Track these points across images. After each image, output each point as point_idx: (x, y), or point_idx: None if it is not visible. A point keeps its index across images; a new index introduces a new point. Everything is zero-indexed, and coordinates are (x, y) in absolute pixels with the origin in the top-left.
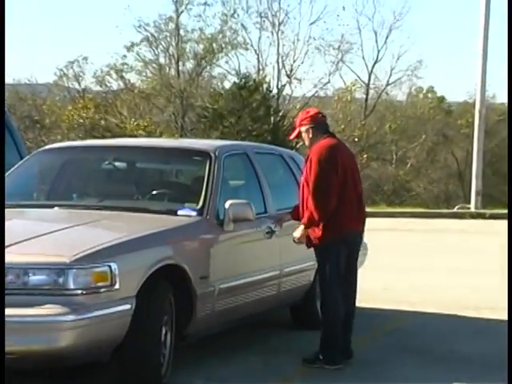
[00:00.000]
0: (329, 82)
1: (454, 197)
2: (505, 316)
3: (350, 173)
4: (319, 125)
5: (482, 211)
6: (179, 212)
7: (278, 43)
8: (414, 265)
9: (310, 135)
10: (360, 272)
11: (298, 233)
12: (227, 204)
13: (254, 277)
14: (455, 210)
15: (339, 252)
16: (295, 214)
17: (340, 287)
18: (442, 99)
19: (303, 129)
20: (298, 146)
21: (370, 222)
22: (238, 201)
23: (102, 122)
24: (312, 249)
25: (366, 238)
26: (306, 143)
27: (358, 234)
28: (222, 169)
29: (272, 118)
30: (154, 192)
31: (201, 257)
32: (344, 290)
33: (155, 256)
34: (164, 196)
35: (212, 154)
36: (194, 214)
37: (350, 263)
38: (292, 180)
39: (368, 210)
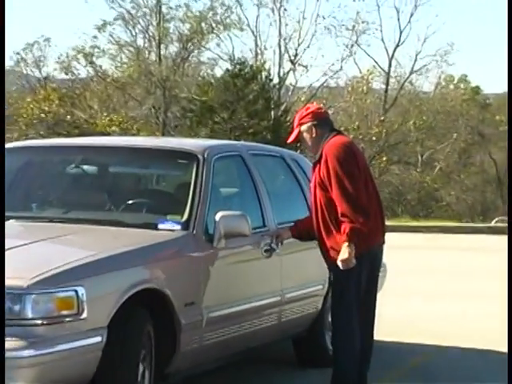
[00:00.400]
0: (341, 69)
1: (491, 208)
2: None
3: (369, 176)
4: (323, 121)
5: None
6: (160, 226)
7: (280, 23)
8: (443, 290)
9: (314, 134)
10: (378, 297)
11: (345, 253)
12: (218, 216)
13: (250, 304)
14: (493, 223)
15: (362, 270)
16: (297, 231)
17: (358, 314)
18: (477, 90)
19: (304, 128)
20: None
21: (390, 239)
22: (231, 212)
23: (68, 116)
24: (317, 269)
25: (385, 257)
26: (309, 144)
27: (381, 247)
28: (212, 174)
29: (272, 113)
30: (130, 201)
31: (186, 280)
32: (361, 316)
33: (131, 279)
34: (142, 206)
35: (200, 156)
36: (177, 227)
37: (371, 283)
38: (296, 187)
39: (388, 223)
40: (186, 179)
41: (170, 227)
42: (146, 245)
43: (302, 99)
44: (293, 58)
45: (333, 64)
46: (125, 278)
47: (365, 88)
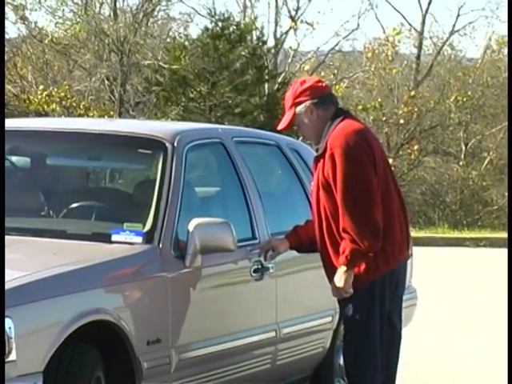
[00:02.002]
0: (358, 27)
1: None
2: None
3: (390, 172)
4: (326, 99)
5: None
6: (114, 237)
7: None
8: (493, 322)
9: (315, 117)
10: (405, 332)
11: (341, 279)
12: (192, 224)
13: (235, 341)
14: None
15: (384, 296)
16: (297, 240)
17: (381, 352)
18: None
19: (300, 109)
20: None
21: (423, 255)
22: (210, 220)
23: None
24: (325, 295)
25: (416, 278)
26: (308, 131)
27: (406, 265)
28: (184, 168)
29: (266, 86)
30: (75, 205)
31: (149, 309)
32: (381, 360)
33: (75, 308)
34: (90, 211)
35: (168, 145)
36: (138, 240)
37: (394, 313)
38: (296, 186)
39: (419, 234)
40: (150, 175)
41: (127, 239)
42: (96, 263)
43: (306, 68)
44: (293, 12)
45: (347, 21)
46: (67, 306)
47: (390, 53)
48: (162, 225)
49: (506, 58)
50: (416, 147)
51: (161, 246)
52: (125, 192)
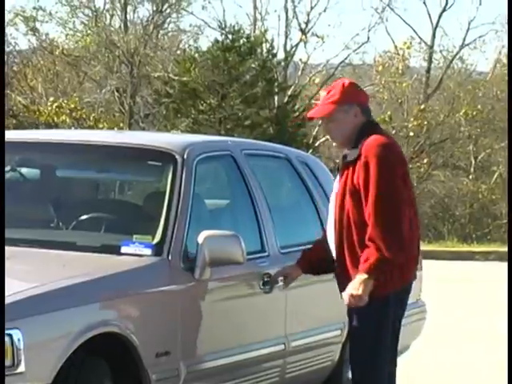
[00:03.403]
0: (368, 41)
1: None
2: None
3: (411, 186)
4: (367, 107)
5: None
6: (124, 249)
7: None
8: (503, 336)
9: (356, 120)
10: (415, 346)
11: (360, 287)
12: (202, 237)
13: (243, 354)
14: None
15: (397, 312)
16: (309, 265)
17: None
18: None
19: (345, 107)
20: (317, 143)
21: (432, 268)
22: (219, 232)
23: None
24: (334, 308)
25: (426, 292)
26: (340, 132)
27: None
28: (194, 180)
29: (276, 99)
30: (84, 217)
31: (158, 322)
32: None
33: (84, 320)
34: (100, 223)
35: (178, 157)
36: (147, 252)
37: (398, 327)
38: (306, 199)
39: (429, 247)
40: (160, 187)
41: (137, 251)
42: (105, 275)
43: (316, 81)
44: (304, 25)
45: (357, 34)
46: (76, 318)
47: (400, 66)
48: (171, 237)
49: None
50: (425, 160)
51: (170, 258)
52: (134, 204)
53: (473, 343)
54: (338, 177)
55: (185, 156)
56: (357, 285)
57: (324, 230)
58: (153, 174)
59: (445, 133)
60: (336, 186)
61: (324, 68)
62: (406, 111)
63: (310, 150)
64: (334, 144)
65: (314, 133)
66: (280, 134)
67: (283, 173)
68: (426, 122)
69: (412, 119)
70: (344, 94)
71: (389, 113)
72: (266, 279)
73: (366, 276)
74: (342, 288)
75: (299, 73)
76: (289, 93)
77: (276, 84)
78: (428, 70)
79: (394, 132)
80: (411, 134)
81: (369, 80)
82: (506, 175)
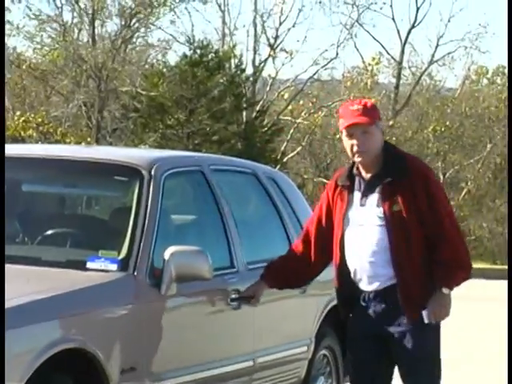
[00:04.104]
0: (337, 56)
1: None
2: None
3: None
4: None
5: None
6: (89, 264)
7: None
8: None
9: (382, 138)
10: None
11: (447, 304)
12: (168, 252)
13: (210, 370)
14: None
15: None
16: (275, 280)
17: None
18: None
19: (378, 123)
20: (285, 159)
21: None
22: (186, 248)
23: None
24: (301, 324)
25: None
26: (372, 144)
27: None
28: (161, 195)
29: (244, 114)
30: (50, 232)
31: (123, 338)
32: None
33: (48, 336)
34: (65, 238)
35: (144, 172)
36: (113, 267)
37: None
38: (273, 214)
39: None
40: (126, 203)
41: (102, 267)
42: (70, 290)
43: (285, 96)
44: (272, 40)
45: (326, 50)
46: (40, 334)
47: (369, 82)
48: (137, 252)
49: (486, 89)
50: None
51: (136, 273)
52: (100, 219)
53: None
54: (358, 194)
55: (152, 171)
56: (444, 301)
57: (292, 245)
58: (119, 189)
59: (413, 149)
60: (366, 205)
61: (293, 83)
62: None
63: (278, 166)
64: (359, 159)
65: (283, 148)
66: (248, 150)
67: (250, 188)
68: (394, 138)
69: None
70: (377, 111)
71: None
72: (233, 296)
73: (449, 292)
74: (409, 302)
75: (268, 88)
76: (257, 108)
77: (244, 99)
78: (397, 86)
79: None
80: None
81: (337, 95)
82: (507, 175)
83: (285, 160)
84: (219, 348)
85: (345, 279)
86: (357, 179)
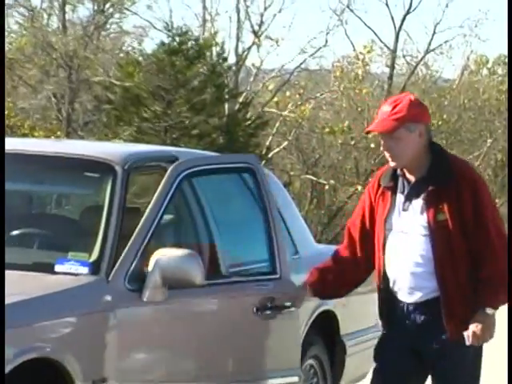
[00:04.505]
0: (326, 44)
1: None
2: None
3: None
4: (430, 127)
5: None
6: (58, 267)
7: None
8: None
9: (422, 140)
10: None
11: (492, 325)
12: (155, 256)
13: None
14: None
15: None
16: (323, 288)
17: None
18: None
19: (411, 127)
20: (270, 155)
21: None
22: (176, 250)
23: None
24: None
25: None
26: (403, 151)
27: None
28: (135, 193)
29: (226, 106)
30: (15, 232)
31: (94, 346)
32: None
33: (13, 345)
34: (32, 239)
35: (118, 168)
36: (83, 270)
37: None
38: (258, 215)
39: None
40: (98, 201)
41: (72, 270)
42: (36, 295)
43: (270, 87)
44: (257, 27)
45: (314, 37)
46: (5, 343)
47: (360, 72)
48: (109, 254)
49: (487, 80)
50: None
51: (110, 278)
52: (70, 219)
53: None
54: (401, 198)
55: (126, 167)
56: (488, 322)
57: (336, 251)
58: (91, 186)
59: None
60: (409, 211)
61: (278, 73)
62: (366, 120)
63: (263, 162)
64: (393, 163)
65: (268, 143)
66: (230, 144)
67: (233, 186)
68: None
69: None
70: (410, 112)
71: (347, 122)
72: (269, 304)
73: (493, 312)
74: (451, 323)
75: (251, 78)
76: (240, 100)
77: (226, 90)
78: (390, 77)
79: (353, 143)
80: (372, 145)
81: (326, 86)
82: (507, 176)
83: (270, 156)
84: (197, 363)
85: (386, 287)
86: (400, 180)
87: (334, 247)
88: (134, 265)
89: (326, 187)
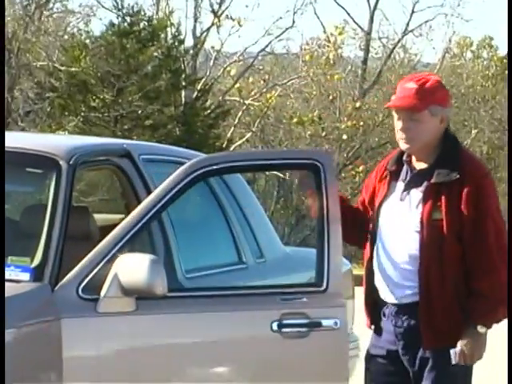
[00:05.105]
0: (293, 25)
1: None
2: None
3: None
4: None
5: None
6: None
7: None
8: None
9: (441, 126)
10: None
11: (483, 346)
12: (112, 261)
13: None
14: None
15: None
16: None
17: None
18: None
19: (434, 110)
20: (232, 147)
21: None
22: (135, 256)
23: None
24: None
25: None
26: (420, 134)
27: None
28: (82, 191)
29: (183, 94)
30: None
31: (35, 362)
32: None
33: None
34: None
35: (62, 163)
36: (25, 277)
37: None
38: (218, 214)
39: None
40: (41, 199)
41: (12, 276)
42: None
43: (232, 72)
44: (216, 6)
45: (280, 17)
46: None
47: (331, 56)
48: (54, 259)
49: (471, 64)
50: (361, 168)
51: (57, 286)
52: (10, 219)
53: None
54: (401, 186)
55: (71, 162)
56: (478, 341)
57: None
58: (33, 183)
59: (384, 135)
60: (405, 202)
61: (241, 57)
62: (338, 109)
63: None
64: (404, 146)
65: (229, 134)
66: (188, 136)
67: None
68: (361, 123)
69: (345, 119)
70: (437, 94)
71: (318, 111)
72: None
73: (485, 330)
74: (427, 331)
75: (211, 63)
76: (198, 87)
77: (183, 76)
78: (364, 61)
79: (324, 134)
80: (344, 136)
81: (294, 72)
82: (495, 167)
83: (232, 148)
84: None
85: (371, 280)
86: (405, 167)
87: (302, 250)
88: (95, 271)
89: (294, 186)
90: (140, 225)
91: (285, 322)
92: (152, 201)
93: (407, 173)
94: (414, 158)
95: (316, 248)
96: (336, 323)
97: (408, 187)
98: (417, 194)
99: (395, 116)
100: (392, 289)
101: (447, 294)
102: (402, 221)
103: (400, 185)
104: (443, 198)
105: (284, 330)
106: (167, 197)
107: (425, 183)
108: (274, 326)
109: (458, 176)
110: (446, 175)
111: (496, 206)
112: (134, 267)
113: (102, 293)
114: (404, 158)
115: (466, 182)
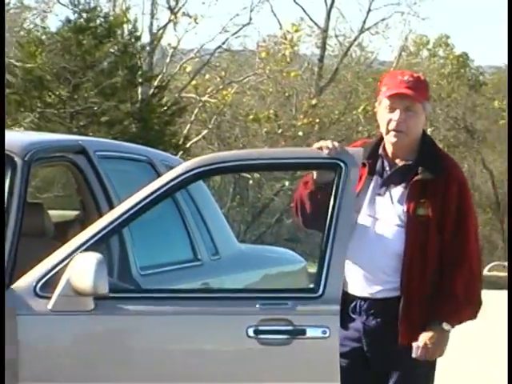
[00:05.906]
0: (250, 23)
1: (485, 246)
2: None
3: None
4: None
5: None
6: None
7: None
8: None
9: (424, 124)
10: None
11: (445, 343)
12: (73, 260)
13: None
14: (486, 271)
15: None
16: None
17: None
18: (464, 60)
19: (425, 105)
20: (188, 145)
21: None
22: (86, 256)
23: None
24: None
25: None
26: (413, 128)
27: None
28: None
29: (140, 91)
30: None
31: None
32: None
33: None
34: None
35: (17, 159)
36: None
37: None
38: (172, 211)
39: None
40: None
41: None
42: None
43: (188, 69)
44: (173, 3)
45: (237, 15)
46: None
47: (288, 53)
48: (8, 256)
49: (427, 62)
50: None
51: (13, 281)
52: None
53: None
54: (378, 180)
55: (26, 158)
56: (442, 338)
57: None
58: None
59: (340, 133)
60: (385, 197)
61: (197, 54)
62: (294, 107)
63: (180, 152)
64: (394, 139)
65: (186, 131)
66: (144, 133)
67: (145, 180)
68: (317, 120)
69: (301, 116)
70: (427, 90)
71: (272, 109)
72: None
73: (449, 328)
74: (406, 327)
75: (167, 60)
76: (155, 83)
77: (139, 73)
78: (321, 59)
79: (280, 131)
80: (300, 133)
81: (251, 69)
82: (507, 178)
83: (188, 145)
84: None
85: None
86: (380, 161)
87: (258, 247)
88: (58, 268)
89: (250, 182)
90: (112, 226)
91: (261, 328)
92: (131, 202)
93: (383, 167)
94: (389, 153)
95: (319, 250)
96: (325, 332)
97: (387, 183)
98: (398, 189)
99: (387, 107)
100: (366, 283)
101: (425, 289)
102: (381, 215)
103: (376, 179)
104: (428, 195)
105: (261, 336)
106: (151, 197)
107: (408, 180)
108: (250, 332)
109: (443, 175)
110: (432, 173)
111: (473, 209)
112: (81, 267)
113: (56, 292)
114: (380, 151)
115: (451, 182)
